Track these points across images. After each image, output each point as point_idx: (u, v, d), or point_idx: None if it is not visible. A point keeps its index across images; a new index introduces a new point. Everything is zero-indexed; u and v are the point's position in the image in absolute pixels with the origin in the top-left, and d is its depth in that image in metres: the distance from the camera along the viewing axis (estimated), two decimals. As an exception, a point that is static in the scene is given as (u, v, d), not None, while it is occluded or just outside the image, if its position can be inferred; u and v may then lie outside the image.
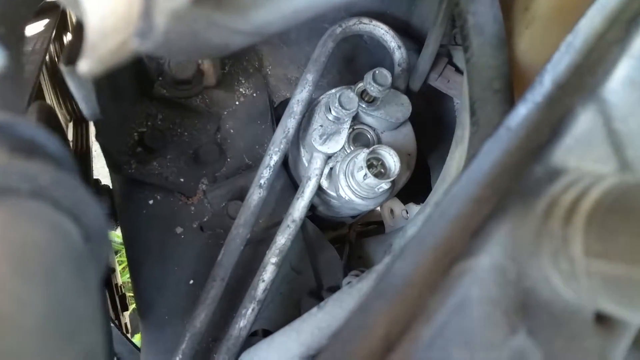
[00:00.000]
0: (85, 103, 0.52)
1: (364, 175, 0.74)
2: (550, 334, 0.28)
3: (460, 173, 0.33)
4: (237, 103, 0.90)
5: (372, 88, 0.76)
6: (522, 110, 0.38)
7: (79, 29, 0.45)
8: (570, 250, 0.26)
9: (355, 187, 0.77)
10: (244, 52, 0.92)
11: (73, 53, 0.44)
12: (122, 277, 1.59)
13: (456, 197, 0.32)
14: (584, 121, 0.32)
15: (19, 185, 0.23)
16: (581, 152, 0.31)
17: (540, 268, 0.28)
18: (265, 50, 0.93)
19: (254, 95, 0.91)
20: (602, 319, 0.29)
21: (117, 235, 1.95)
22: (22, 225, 0.22)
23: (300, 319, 0.63)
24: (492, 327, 0.27)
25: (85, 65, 0.26)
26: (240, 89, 0.91)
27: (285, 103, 0.92)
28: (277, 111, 0.94)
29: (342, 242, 1.09)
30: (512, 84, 0.56)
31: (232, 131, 0.89)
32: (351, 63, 0.95)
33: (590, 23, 0.38)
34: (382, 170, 0.75)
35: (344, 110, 0.76)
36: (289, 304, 0.87)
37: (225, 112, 0.89)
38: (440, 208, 0.32)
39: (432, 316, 0.26)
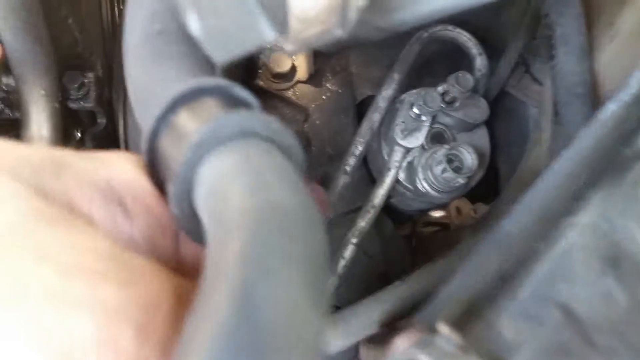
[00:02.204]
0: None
1: (443, 169, 0.81)
2: (635, 281, 0.34)
3: (558, 155, 0.40)
4: (324, 97, 0.98)
5: (454, 90, 0.83)
6: (612, 107, 0.44)
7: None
8: (656, 211, 0.33)
9: (432, 180, 0.84)
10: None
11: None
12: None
13: (556, 172, 0.39)
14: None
15: (261, 131, 0.32)
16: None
17: (628, 227, 0.35)
18: (353, 51, 1.01)
19: (339, 91, 0.99)
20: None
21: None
22: (268, 156, 0.31)
23: (383, 291, 0.70)
24: (588, 269, 0.34)
25: (290, 46, 0.35)
26: (327, 85, 0.99)
27: (366, 100, 1.00)
28: (358, 108, 1.02)
29: (406, 236, 1.16)
30: (593, 91, 0.62)
31: (317, 122, 0.97)
32: (430, 66, 1.02)
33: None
34: (460, 165, 0.82)
35: (426, 109, 0.84)
36: (360, 285, 0.94)
37: (313, 105, 0.98)
38: (542, 181, 0.39)
39: (543, 257, 0.33)
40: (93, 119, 1.05)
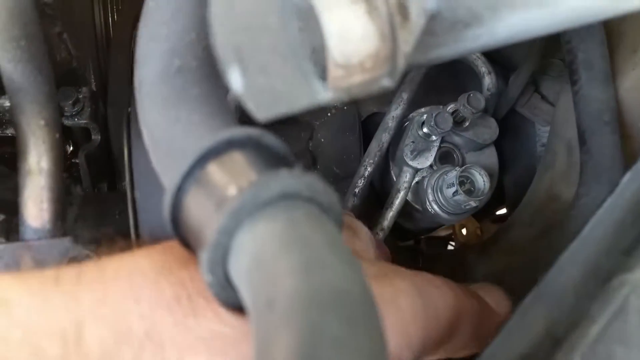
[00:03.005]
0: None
1: (455, 192, 0.79)
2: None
3: (604, 201, 0.38)
4: (329, 114, 0.96)
5: (465, 110, 0.81)
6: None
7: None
8: None
9: (442, 202, 0.82)
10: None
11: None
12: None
13: (602, 220, 0.37)
14: None
15: (303, 192, 0.30)
16: None
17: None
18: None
19: (345, 108, 0.97)
20: None
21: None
22: (313, 222, 0.29)
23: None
24: (645, 331, 0.32)
25: (330, 94, 0.32)
26: (332, 102, 0.97)
27: (371, 118, 0.98)
28: (362, 125, 0.99)
29: (411, 250, 1.14)
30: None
31: (323, 140, 0.95)
32: (437, 83, 1.00)
33: None
34: (472, 188, 0.80)
35: (438, 129, 0.82)
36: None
37: (318, 123, 0.95)
38: (588, 228, 0.37)
39: (597, 318, 0.31)
40: (87, 135, 1.01)
